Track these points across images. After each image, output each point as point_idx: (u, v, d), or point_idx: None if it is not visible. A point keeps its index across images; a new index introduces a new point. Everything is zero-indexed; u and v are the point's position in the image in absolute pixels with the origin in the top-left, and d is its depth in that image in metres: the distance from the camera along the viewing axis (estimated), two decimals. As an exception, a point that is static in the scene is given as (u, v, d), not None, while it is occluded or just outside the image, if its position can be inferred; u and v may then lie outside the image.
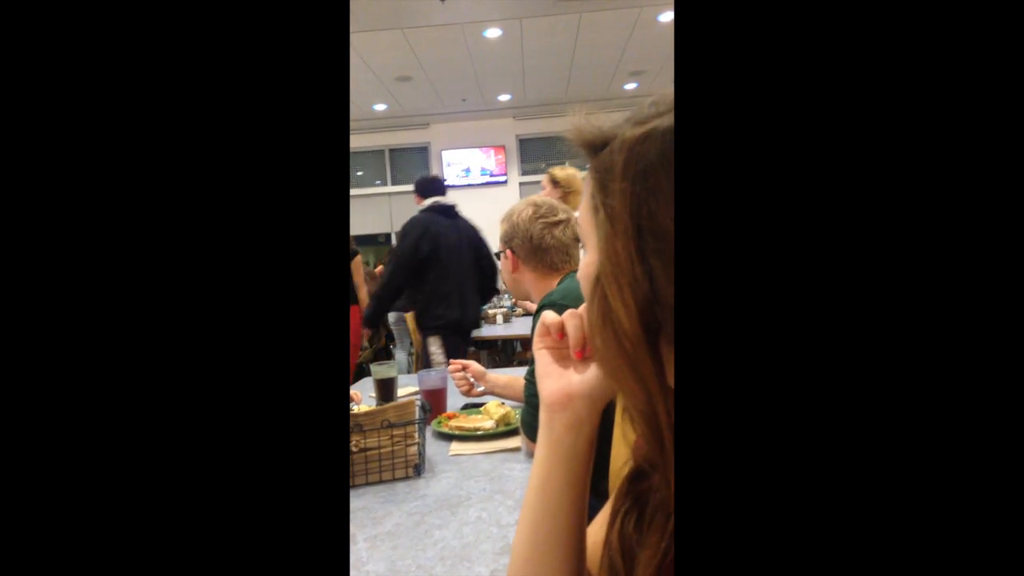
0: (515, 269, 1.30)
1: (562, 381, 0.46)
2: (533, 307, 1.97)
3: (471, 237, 2.88)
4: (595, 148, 0.41)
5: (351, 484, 1.05)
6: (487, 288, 3.03)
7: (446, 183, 6.40)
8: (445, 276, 2.69)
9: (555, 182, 2.42)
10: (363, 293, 3.65)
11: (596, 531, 0.50)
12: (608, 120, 0.41)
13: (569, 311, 0.46)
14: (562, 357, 0.48)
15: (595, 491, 0.48)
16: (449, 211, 2.82)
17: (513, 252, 1.29)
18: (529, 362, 1.08)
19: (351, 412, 1.08)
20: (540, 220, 1.26)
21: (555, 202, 1.30)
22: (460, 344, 2.78)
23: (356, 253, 3.71)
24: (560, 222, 1.26)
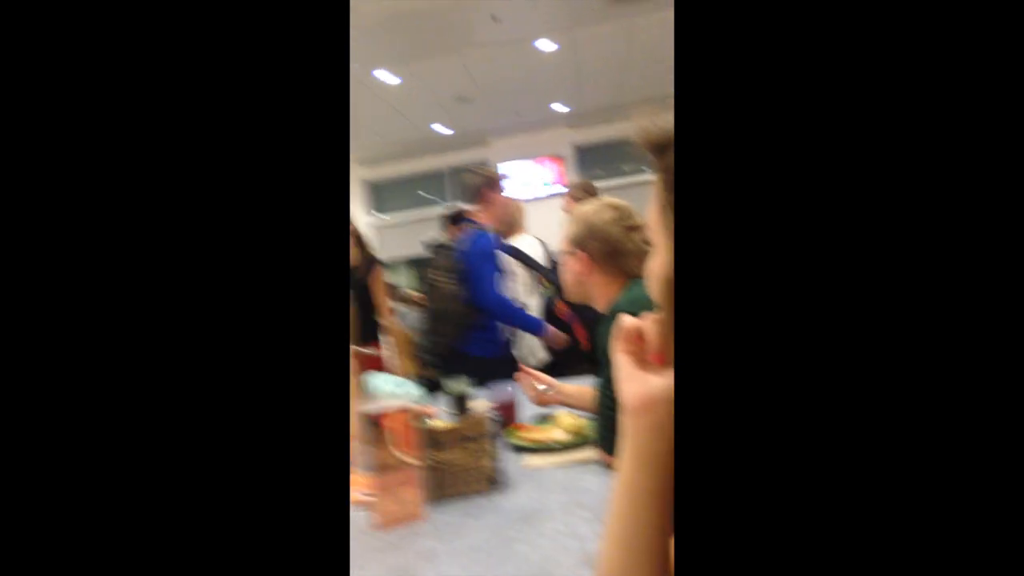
0: (586, 272, 1.25)
1: (644, 386, 0.46)
2: None
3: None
4: (661, 149, 0.40)
5: (432, 499, 1.06)
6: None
7: (506, 197, 6.47)
8: None
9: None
10: (386, 310, 2.75)
11: None
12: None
13: (649, 315, 0.45)
14: (642, 361, 0.47)
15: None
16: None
17: (588, 254, 1.24)
18: (598, 372, 1.05)
19: (427, 427, 1.09)
20: (622, 223, 1.21)
21: (632, 206, 1.27)
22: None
23: (375, 262, 2.67)
24: (639, 226, 1.21)
